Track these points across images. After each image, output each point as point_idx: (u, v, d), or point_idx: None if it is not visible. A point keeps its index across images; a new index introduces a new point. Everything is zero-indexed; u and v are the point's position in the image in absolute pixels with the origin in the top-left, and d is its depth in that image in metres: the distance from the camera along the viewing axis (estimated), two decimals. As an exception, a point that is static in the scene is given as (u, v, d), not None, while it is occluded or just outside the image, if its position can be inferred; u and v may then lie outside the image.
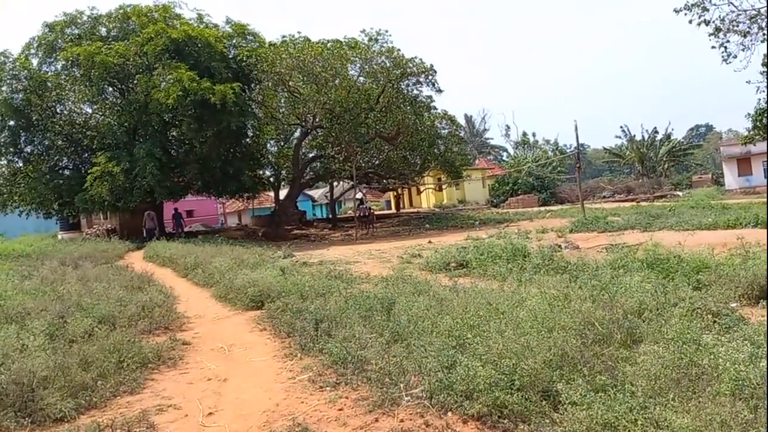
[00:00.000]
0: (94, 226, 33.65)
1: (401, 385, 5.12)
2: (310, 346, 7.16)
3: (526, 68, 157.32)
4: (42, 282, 12.53)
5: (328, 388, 5.67)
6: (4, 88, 26.92)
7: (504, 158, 74.38)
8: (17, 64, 27.57)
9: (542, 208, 38.42)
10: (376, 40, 30.26)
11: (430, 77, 31.54)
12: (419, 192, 54.93)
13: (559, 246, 14.64)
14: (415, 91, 32.12)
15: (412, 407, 4.81)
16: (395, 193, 55.16)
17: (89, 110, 30.48)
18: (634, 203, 35.75)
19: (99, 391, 6.24)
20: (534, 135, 64.34)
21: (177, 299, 11.55)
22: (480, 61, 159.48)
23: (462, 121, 63.74)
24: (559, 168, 51.39)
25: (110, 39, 28.89)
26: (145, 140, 27.39)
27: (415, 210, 51.21)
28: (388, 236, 27.21)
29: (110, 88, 29.13)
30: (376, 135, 30.81)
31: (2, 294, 10.57)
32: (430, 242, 20.89)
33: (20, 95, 27.00)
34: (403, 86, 31.18)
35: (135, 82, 27.75)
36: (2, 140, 27.49)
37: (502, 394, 4.45)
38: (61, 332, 8.20)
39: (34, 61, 28.58)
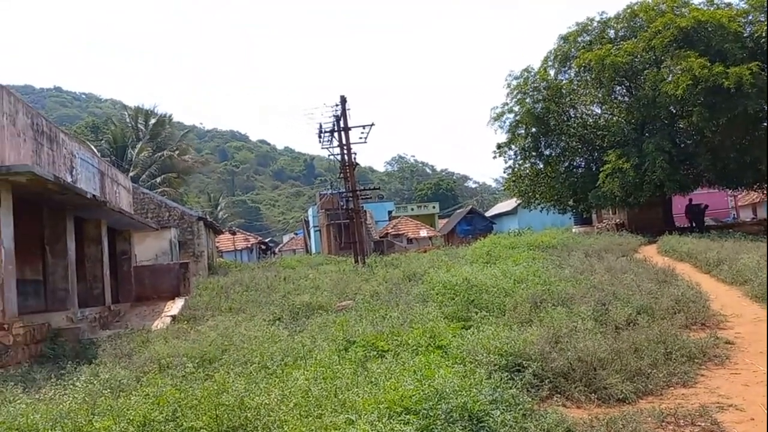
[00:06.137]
0: (603, 221, 35.20)
1: None
2: None
3: None
4: (574, 271, 13.89)
5: None
6: (527, 100, 30.66)
7: None
8: (537, 77, 31.09)
9: None
10: None
11: None
12: None
13: None
14: None
15: None
16: None
17: (598, 111, 32.08)
18: None
19: (653, 379, 6.63)
20: None
21: (707, 296, 11.20)
22: None
23: None
24: None
25: (618, 40, 29.71)
26: (653, 135, 27.24)
27: None
28: None
29: (618, 87, 30.04)
30: None
31: (546, 280, 12.19)
32: None
33: (540, 104, 30.27)
34: None
35: (642, 78, 27.90)
36: (526, 146, 31.36)
37: None
38: (604, 318, 8.99)
39: (551, 72, 31.60)
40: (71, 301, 13.37)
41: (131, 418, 5.50)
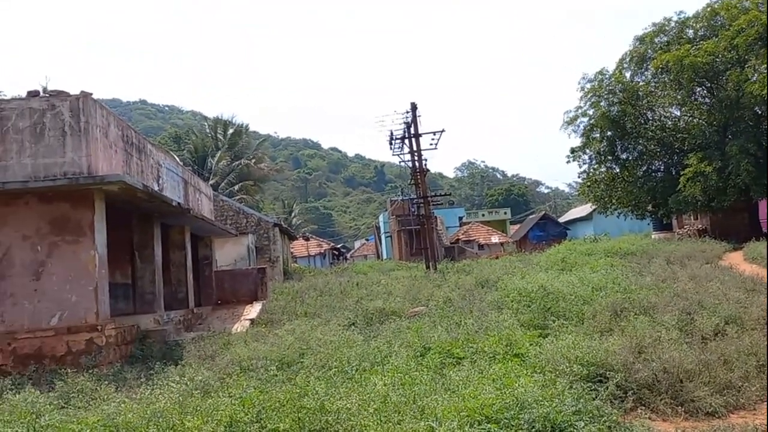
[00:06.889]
0: (684, 227, 33.75)
1: None
2: None
3: None
4: (656, 279, 13.42)
5: None
6: (602, 103, 29.91)
7: None
8: (612, 79, 30.26)
9: None
10: None
11: None
12: None
13: None
14: None
15: None
16: None
17: (677, 113, 30.87)
18: None
19: (745, 393, 6.34)
20: None
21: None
22: None
23: None
24: None
25: (698, 39, 28.51)
26: (736, 137, 26.01)
27: None
28: None
29: (699, 89, 28.86)
30: None
31: (626, 288, 11.84)
32: None
33: (616, 107, 29.48)
34: None
35: (724, 78, 26.70)
36: (602, 150, 30.53)
37: None
38: (690, 328, 8.65)
39: (627, 74, 30.68)
40: (158, 304, 14.02)
41: (219, 418, 5.73)
